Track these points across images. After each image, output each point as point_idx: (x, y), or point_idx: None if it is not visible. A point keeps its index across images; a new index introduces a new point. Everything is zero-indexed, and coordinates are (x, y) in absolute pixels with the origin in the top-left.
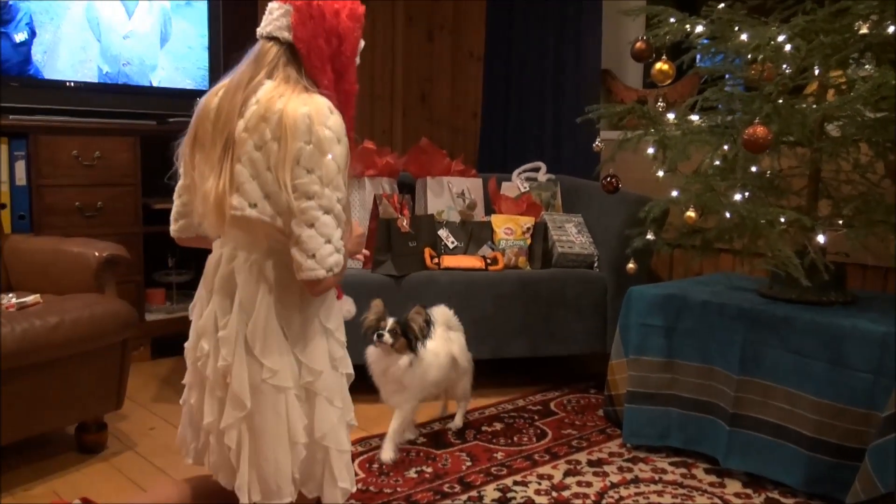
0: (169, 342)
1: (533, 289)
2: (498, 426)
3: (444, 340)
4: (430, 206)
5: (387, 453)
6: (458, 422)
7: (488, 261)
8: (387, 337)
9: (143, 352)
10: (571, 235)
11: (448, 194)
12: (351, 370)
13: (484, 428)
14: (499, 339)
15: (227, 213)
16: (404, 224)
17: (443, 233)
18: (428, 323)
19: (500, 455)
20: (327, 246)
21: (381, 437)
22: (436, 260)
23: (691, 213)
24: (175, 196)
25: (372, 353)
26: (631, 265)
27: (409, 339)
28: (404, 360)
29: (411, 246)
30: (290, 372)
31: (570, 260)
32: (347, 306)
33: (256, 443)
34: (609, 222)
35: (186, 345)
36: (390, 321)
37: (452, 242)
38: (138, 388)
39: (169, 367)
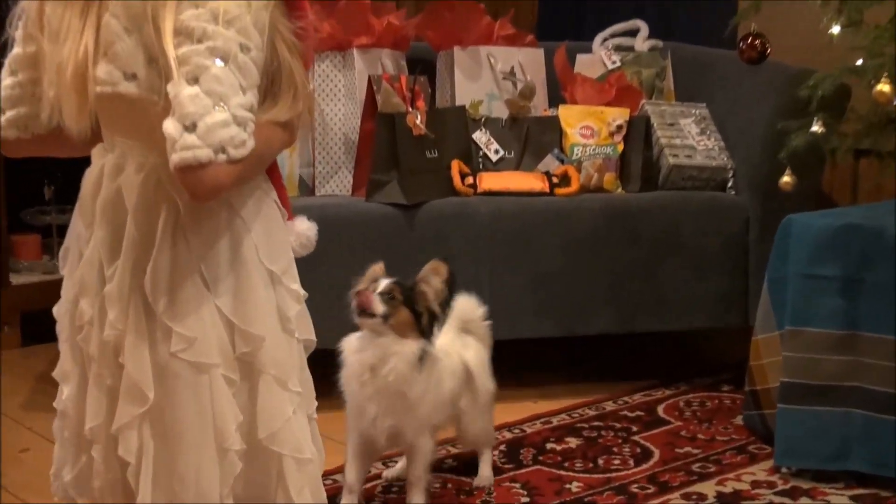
0: (49, 320)
1: (628, 225)
2: (573, 442)
3: (455, 342)
4: (459, 93)
5: (416, 497)
6: (486, 474)
7: (554, 180)
8: (374, 302)
9: (8, 335)
10: (690, 137)
11: (489, 75)
12: (312, 336)
13: (550, 445)
14: (572, 308)
15: (91, 91)
16: (418, 123)
17: (480, 136)
18: (451, 286)
19: (575, 487)
20: (219, 112)
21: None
22: (469, 181)
23: (884, 88)
24: (4, 73)
25: (351, 342)
26: (787, 178)
27: (418, 312)
28: (410, 348)
29: (429, 158)
30: (216, 340)
31: (689, 177)
32: (302, 232)
33: (166, 452)
34: (751, 113)
35: (56, 309)
36: (384, 282)
37: (496, 152)
38: (4, 391)
39: (48, 357)
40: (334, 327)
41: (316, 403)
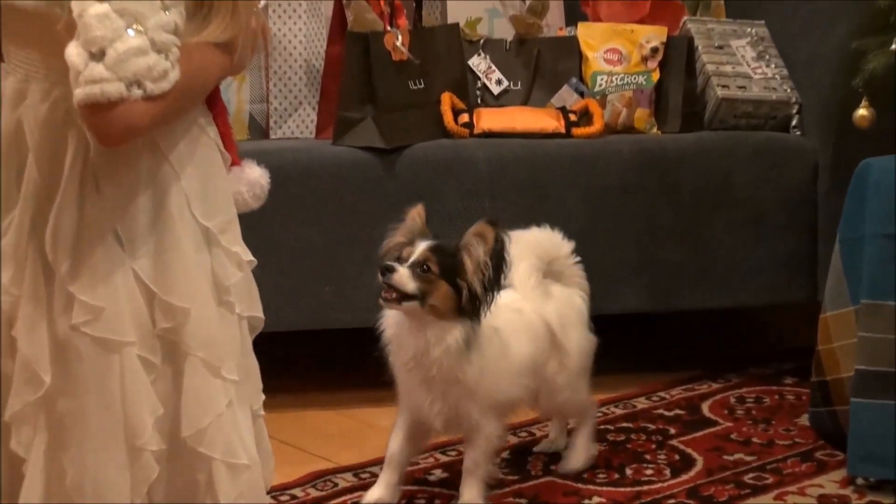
0: None
1: (664, 175)
2: (597, 446)
3: (534, 292)
4: (451, 9)
5: (470, 491)
6: (577, 457)
7: (572, 118)
8: (400, 275)
9: None
10: (745, 63)
11: None
12: (258, 312)
13: (566, 452)
14: (595, 280)
15: None
16: (399, 45)
17: (479, 63)
18: (501, 253)
19: (596, 502)
20: (133, 36)
21: (371, 466)
22: (464, 119)
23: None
24: None
25: (389, 322)
26: (863, 111)
27: (458, 287)
28: (452, 336)
29: (414, 90)
30: (131, 313)
31: (743, 113)
32: (254, 180)
33: (61, 450)
34: (820, 32)
35: None
36: (420, 246)
37: (499, 82)
38: None
39: None
40: (301, 303)
41: (263, 397)
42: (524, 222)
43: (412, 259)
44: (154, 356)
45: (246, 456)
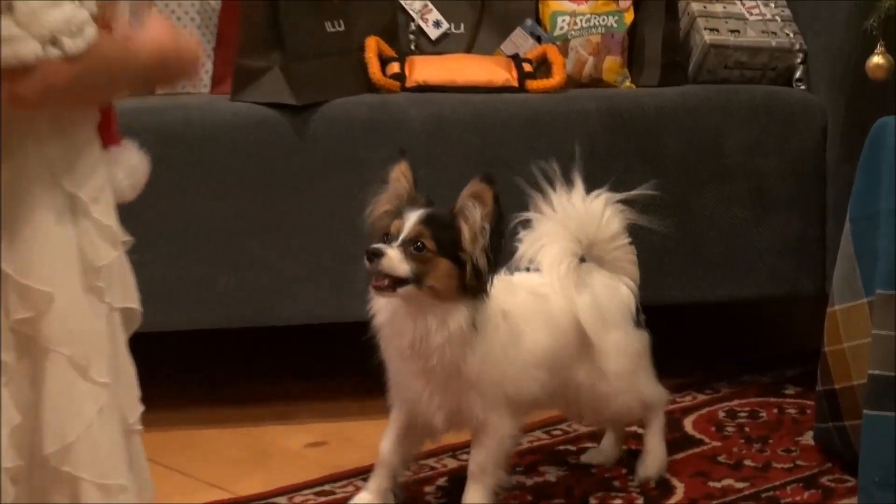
0: None
1: (640, 139)
2: (551, 474)
3: (565, 283)
4: None
5: (474, 497)
6: (652, 458)
7: (527, 68)
8: (390, 258)
9: None
10: (739, 2)
11: None
12: (134, 303)
13: (517, 479)
14: None
15: None
16: None
17: (413, 1)
18: (500, 215)
19: None
20: None
21: (276, 496)
22: (394, 69)
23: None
24: None
25: (381, 308)
26: (878, 59)
27: (460, 262)
28: (456, 320)
29: (331, 33)
30: None
31: (736, 63)
32: (131, 165)
33: None
34: None
35: None
36: (411, 218)
37: (437, 24)
38: None
39: None
40: (192, 296)
41: (141, 408)
42: (453, 184)
43: (402, 236)
44: (7, 353)
45: (120, 475)
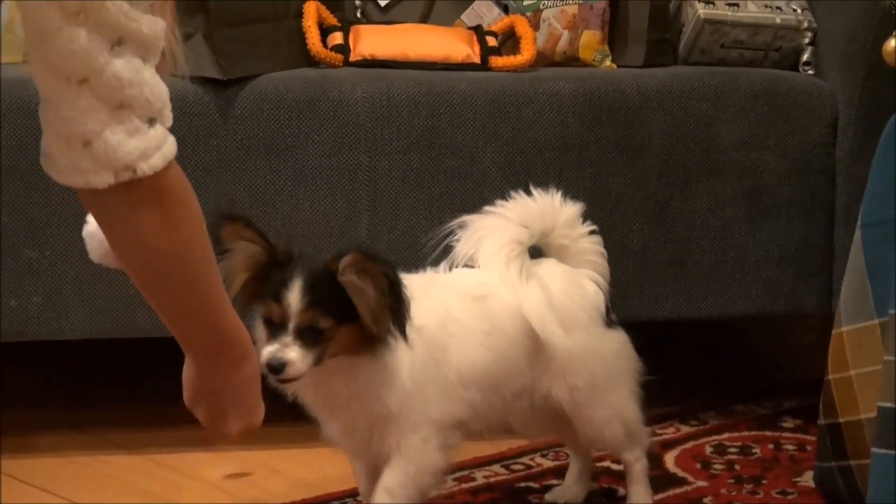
0: None
1: (623, 128)
2: None
3: (507, 277)
4: None
5: None
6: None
7: (491, 43)
8: (295, 364)
9: None
10: None
11: None
12: None
13: None
14: None
15: None
16: None
17: None
18: (396, 283)
19: None
20: (122, 121)
21: None
22: (336, 39)
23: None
24: None
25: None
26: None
27: (357, 317)
28: (368, 367)
29: None
30: None
31: (734, 42)
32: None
33: None
34: None
35: None
36: (294, 299)
37: None
38: None
39: None
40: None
41: None
42: (417, 189)
43: (292, 325)
44: None
45: None
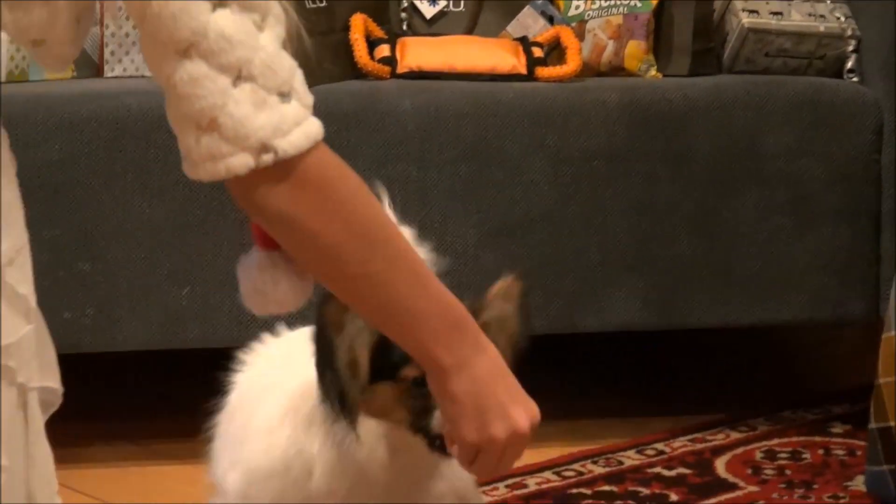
0: None
1: (668, 136)
2: None
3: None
4: None
5: None
6: None
7: (537, 53)
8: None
9: None
10: None
11: None
12: (54, 383)
13: None
14: (571, 286)
15: None
16: None
17: None
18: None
19: None
20: (240, 88)
21: None
22: (384, 52)
23: None
24: None
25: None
26: None
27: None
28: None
29: (312, 9)
30: None
31: (779, 50)
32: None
33: None
34: None
35: None
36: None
37: (433, 1)
38: None
39: None
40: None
41: (58, 500)
42: (465, 199)
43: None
44: None
45: None
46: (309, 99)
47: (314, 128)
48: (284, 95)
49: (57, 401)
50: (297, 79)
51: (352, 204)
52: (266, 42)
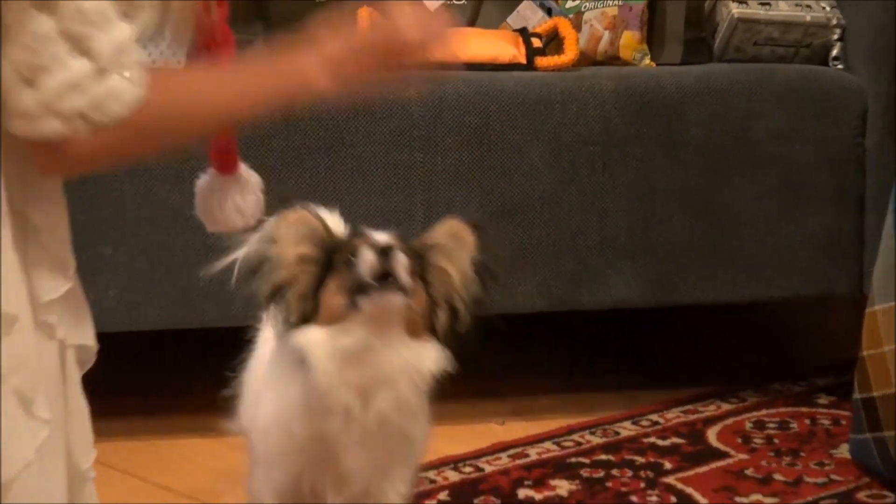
0: None
1: (661, 123)
2: (563, 488)
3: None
4: None
5: None
6: None
7: (535, 44)
8: (401, 260)
9: None
10: None
11: None
12: (89, 341)
13: (525, 493)
14: (571, 266)
15: None
16: None
17: None
18: (481, 270)
19: None
20: (75, 59)
21: None
22: None
23: None
24: None
25: (320, 343)
26: None
27: (435, 299)
28: (430, 355)
29: (320, 1)
30: None
31: (767, 39)
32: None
33: None
34: None
35: None
36: (376, 237)
37: None
38: None
39: None
40: (164, 294)
41: (95, 453)
42: (469, 183)
43: (396, 261)
44: None
45: None
46: (139, 78)
47: (132, 95)
48: (119, 68)
49: (91, 359)
50: (131, 59)
51: (174, 120)
52: (122, 28)
